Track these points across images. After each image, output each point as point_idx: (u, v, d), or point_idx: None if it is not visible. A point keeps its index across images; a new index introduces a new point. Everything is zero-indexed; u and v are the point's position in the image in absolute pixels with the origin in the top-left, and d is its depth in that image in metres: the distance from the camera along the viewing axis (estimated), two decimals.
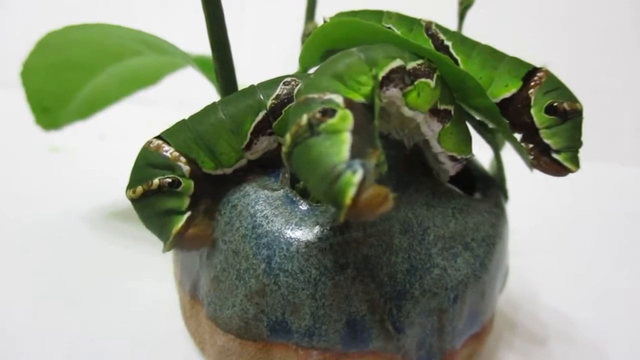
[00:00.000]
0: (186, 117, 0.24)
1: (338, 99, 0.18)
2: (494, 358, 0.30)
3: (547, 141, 0.23)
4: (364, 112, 0.18)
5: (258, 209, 0.23)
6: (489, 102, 0.23)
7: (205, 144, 0.23)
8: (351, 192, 0.15)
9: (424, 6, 0.35)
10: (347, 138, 0.16)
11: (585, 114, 0.23)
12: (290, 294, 0.22)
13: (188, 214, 0.23)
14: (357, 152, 0.16)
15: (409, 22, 0.25)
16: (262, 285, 0.23)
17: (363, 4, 0.26)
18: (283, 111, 0.23)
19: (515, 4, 0.67)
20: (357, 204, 0.15)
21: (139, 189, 0.23)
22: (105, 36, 0.33)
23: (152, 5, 0.70)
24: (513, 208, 0.31)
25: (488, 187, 0.28)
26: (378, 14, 0.25)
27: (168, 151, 0.23)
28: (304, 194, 0.24)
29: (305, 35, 0.33)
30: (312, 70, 0.24)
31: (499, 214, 0.27)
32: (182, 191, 0.23)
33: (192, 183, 0.23)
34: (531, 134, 0.24)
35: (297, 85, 0.23)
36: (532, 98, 0.23)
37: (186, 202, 0.23)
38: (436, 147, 0.24)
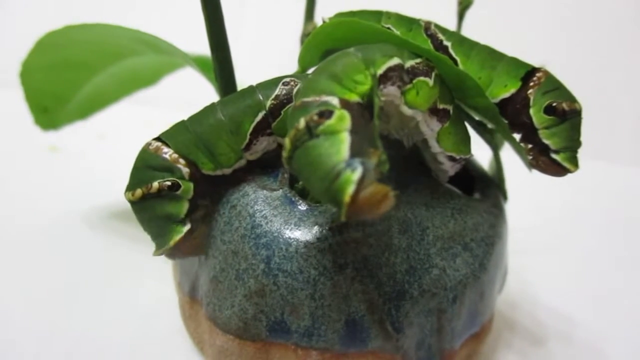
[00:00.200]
0: (185, 117, 0.24)
1: (334, 100, 0.18)
2: (493, 358, 0.30)
3: (546, 141, 0.23)
4: (361, 112, 0.18)
5: (257, 209, 0.23)
6: (488, 102, 0.23)
7: (204, 145, 0.23)
8: (350, 190, 0.15)
9: (423, 6, 0.35)
10: (345, 138, 0.16)
11: (584, 114, 0.23)
12: (290, 294, 0.22)
13: (187, 227, 0.23)
14: (356, 151, 0.16)
15: (408, 22, 0.25)
16: (261, 285, 0.23)
17: (362, 4, 0.26)
18: (282, 112, 0.23)
19: (514, 4, 0.67)
20: (357, 201, 0.15)
21: (138, 191, 0.23)
22: (104, 36, 0.33)
23: (151, 5, 0.70)
24: (512, 208, 0.31)
25: (487, 187, 0.28)
26: (377, 14, 0.25)
27: (167, 153, 0.23)
28: (303, 194, 0.24)
29: (305, 35, 0.33)
30: (311, 70, 0.24)
31: (498, 214, 0.27)
32: (181, 195, 0.23)
33: (191, 185, 0.23)
34: (530, 134, 0.24)
35: (296, 85, 0.23)
36: (531, 98, 0.23)
37: (185, 207, 0.23)
38: (435, 147, 0.24)
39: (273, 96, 0.23)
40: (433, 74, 0.22)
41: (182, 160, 0.23)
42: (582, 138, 0.23)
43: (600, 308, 0.35)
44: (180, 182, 0.23)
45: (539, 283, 0.37)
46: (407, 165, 0.26)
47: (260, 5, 0.72)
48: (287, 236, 0.23)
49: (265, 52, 0.67)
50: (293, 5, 0.38)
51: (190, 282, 0.27)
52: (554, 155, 0.23)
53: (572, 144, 0.23)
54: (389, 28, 0.25)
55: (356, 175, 0.15)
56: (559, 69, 0.26)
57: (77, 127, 0.42)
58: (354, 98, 0.19)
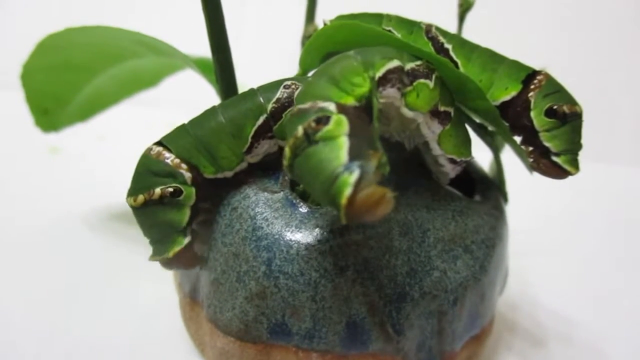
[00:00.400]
0: (186, 120, 0.24)
1: (331, 106, 0.18)
2: None
3: (546, 144, 0.23)
4: (359, 115, 0.18)
5: (258, 212, 0.23)
6: (489, 105, 0.23)
7: (205, 148, 0.23)
8: (347, 192, 0.15)
9: (424, 9, 0.35)
10: (344, 142, 0.16)
11: (585, 115, 0.23)
12: (291, 297, 0.22)
13: (188, 239, 0.23)
14: (356, 154, 0.16)
15: (409, 25, 0.25)
16: (262, 287, 0.23)
17: (363, 6, 0.26)
18: (283, 115, 0.23)
19: (515, 6, 0.67)
20: (354, 203, 0.15)
21: (140, 197, 0.23)
22: (105, 38, 0.33)
23: (152, 7, 0.71)
24: (513, 210, 0.31)
25: (488, 190, 0.28)
26: (378, 17, 0.25)
27: (169, 158, 0.23)
28: (304, 197, 0.24)
29: (306, 37, 0.33)
30: (311, 73, 0.24)
31: (498, 216, 0.27)
32: (183, 201, 0.23)
33: (193, 191, 0.23)
34: (531, 136, 0.24)
35: (297, 88, 0.23)
36: (532, 101, 0.23)
37: (187, 214, 0.23)
38: (436, 150, 0.24)
39: (274, 99, 0.23)
40: (433, 76, 0.22)
41: (184, 165, 0.23)
42: (583, 139, 0.23)
43: (600, 309, 0.35)
44: (182, 187, 0.23)
45: (539, 285, 0.37)
46: (407, 167, 0.26)
47: (261, 7, 0.72)
48: (288, 238, 0.23)
49: (266, 53, 0.68)
50: (294, 7, 0.38)
51: (191, 284, 0.27)
52: (554, 158, 0.23)
53: (573, 147, 0.23)
54: (389, 31, 0.25)
55: (353, 177, 0.15)
56: (560, 70, 0.26)
57: (78, 128, 0.42)
58: (351, 101, 0.19)
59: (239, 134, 0.23)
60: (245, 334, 0.23)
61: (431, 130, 0.24)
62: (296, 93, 0.23)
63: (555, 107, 0.23)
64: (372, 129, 0.18)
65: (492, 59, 0.24)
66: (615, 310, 0.35)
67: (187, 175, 0.23)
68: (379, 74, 0.20)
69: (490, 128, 0.26)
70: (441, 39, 0.24)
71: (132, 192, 0.23)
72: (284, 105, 0.23)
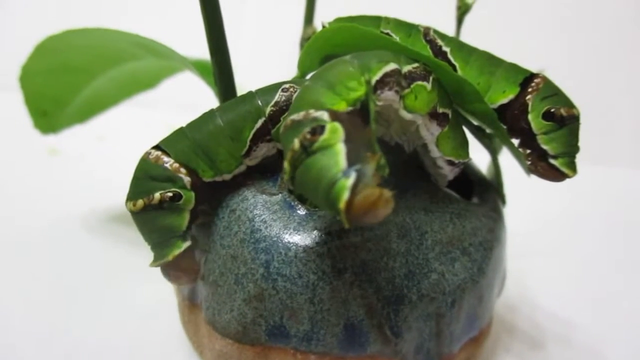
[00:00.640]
0: (184, 123, 0.24)
1: (324, 115, 0.18)
2: None
3: (544, 147, 0.23)
4: (352, 120, 0.18)
5: (256, 214, 0.24)
6: (487, 108, 0.23)
7: (204, 152, 0.23)
8: (344, 196, 0.15)
9: (422, 11, 0.35)
10: (341, 149, 0.16)
11: (583, 117, 0.23)
12: (289, 299, 0.22)
13: (188, 243, 0.23)
14: (354, 159, 0.16)
15: (407, 28, 0.25)
16: (261, 289, 0.23)
17: (361, 8, 0.26)
18: (282, 118, 0.23)
19: (512, 9, 0.67)
20: (352, 206, 0.15)
21: (140, 202, 0.23)
22: (104, 40, 0.33)
23: (150, 10, 0.71)
24: (511, 212, 0.31)
25: (486, 192, 0.28)
26: (376, 20, 0.25)
27: (168, 163, 0.23)
28: (302, 199, 0.24)
29: (304, 39, 0.33)
30: (309, 76, 0.25)
31: (496, 219, 0.27)
32: (182, 206, 0.23)
33: (192, 195, 0.23)
34: (529, 139, 0.24)
35: (295, 91, 0.23)
36: (530, 104, 0.23)
37: (186, 218, 0.23)
38: (434, 152, 0.24)
39: (272, 102, 0.23)
40: (431, 78, 0.22)
41: (182, 170, 0.23)
42: (581, 141, 0.23)
43: (598, 311, 0.35)
44: (181, 192, 0.23)
45: (537, 287, 0.37)
46: (406, 170, 0.26)
47: (260, 9, 0.72)
48: (286, 241, 0.23)
49: (265, 55, 0.68)
50: (292, 9, 0.38)
51: (190, 286, 0.27)
52: (552, 161, 0.23)
53: (571, 150, 0.23)
54: (388, 33, 0.25)
55: (350, 181, 0.15)
56: (559, 71, 0.26)
57: (77, 129, 0.42)
58: (343, 106, 0.19)
59: (237, 137, 0.23)
60: (243, 336, 0.23)
61: (430, 132, 0.24)
62: (294, 96, 0.23)
63: (552, 110, 0.23)
64: (370, 131, 0.18)
65: (490, 62, 0.24)
66: (613, 312, 0.35)
67: (186, 179, 0.23)
68: (376, 77, 0.20)
69: (488, 130, 0.26)
70: (439, 41, 0.24)
71: (131, 196, 0.23)
72: (282, 108, 0.23)
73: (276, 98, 0.23)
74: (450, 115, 0.23)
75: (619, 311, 0.35)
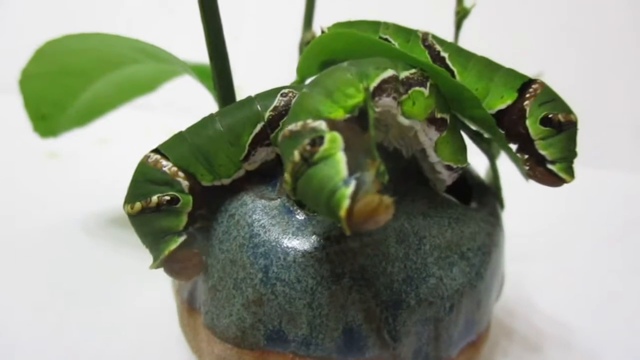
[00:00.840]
0: (183, 127, 0.24)
1: (322, 125, 0.18)
2: None
3: (542, 152, 0.23)
4: (350, 127, 0.18)
5: (255, 218, 0.24)
6: (485, 113, 0.23)
7: (203, 156, 0.23)
8: (345, 204, 0.15)
9: (421, 16, 0.35)
10: (341, 157, 0.17)
11: (582, 120, 0.23)
12: (287, 304, 0.22)
13: (183, 237, 0.23)
14: (354, 166, 0.16)
15: (406, 33, 0.25)
16: (259, 294, 0.23)
17: (361, 13, 0.26)
18: (281, 123, 0.23)
19: (511, 14, 0.67)
20: (353, 214, 0.15)
21: (137, 205, 0.23)
22: (103, 45, 0.33)
23: (150, 14, 0.71)
24: (509, 216, 0.31)
25: (484, 196, 0.28)
26: (375, 25, 0.25)
27: (166, 166, 0.23)
28: (301, 204, 0.24)
29: (303, 44, 0.33)
30: (308, 81, 0.25)
31: (495, 223, 0.27)
32: (180, 208, 0.23)
33: (190, 199, 0.23)
34: (526, 144, 0.24)
35: (294, 96, 0.23)
36: (528, 109, 0.23)
37: (184, 221, 0.23)
38: (433, 157, 0.24)
39: (271, 107, 0.23)
40: (428, 84, 0.22)
41: (181, 174, 0.23)
42: (580, 144, 0.24)
43: (597, 315, 0.35)
44: (179, 195, 0.23)
45: (536, 290, 0.37)
46: (404, 175, 0.26)
47: (259, 14, 0.72)
48: (285, 245, 0.23)
49: (264, 59, 0.68)
50: (291, 14, 0.38)
51: (189, 290, 0.27)
52: (550, 166, 0.23)
53: (568, 155, 0.23)
54: (386, 39, 0.25)
55: (350, 189, 0.16)
56: (558, 75, 0.26)
57: (76, 133, 0.42)
58: (341, 114, 0.19)
59: (236, 141, 0.23)
60: (242, 340, 0.23)
61: (428, 137, 0.24)
62: (292, 102, 0.23)
63: (550, 115, 0.23)
64: (369, 138, 0.18)
65: (488, 68, 0.24)
66: (611, 315, 0.35)
67: (185, 183, 0.23)
68: (374, 84, 0.20)
69: (486, 135, 0.27)
70: (437, 47, 0.24)
71: (129, 199, 0.23)
72: (281, 113, 0.23)
73: (275, 103, 0.23)
74: (448, 121, 0.24)
75: (617, 315, 0.35)
